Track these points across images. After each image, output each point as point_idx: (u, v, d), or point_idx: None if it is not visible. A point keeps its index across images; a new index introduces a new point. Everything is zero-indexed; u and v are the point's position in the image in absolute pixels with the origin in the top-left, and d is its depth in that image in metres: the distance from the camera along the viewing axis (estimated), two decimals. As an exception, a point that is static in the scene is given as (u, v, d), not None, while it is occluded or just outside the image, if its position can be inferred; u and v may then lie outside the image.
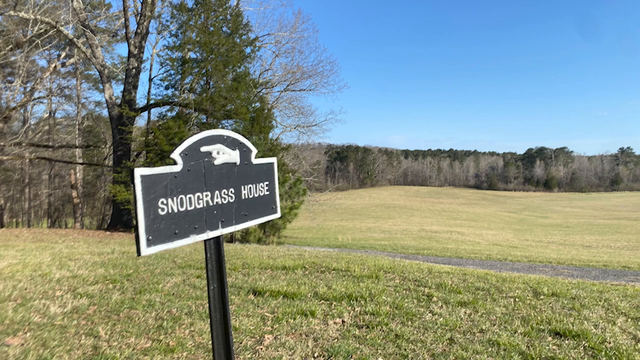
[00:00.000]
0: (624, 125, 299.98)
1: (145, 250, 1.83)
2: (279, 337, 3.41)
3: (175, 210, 1.97)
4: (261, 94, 22.98)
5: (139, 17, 20.33)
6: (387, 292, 4.71)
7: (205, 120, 18.04)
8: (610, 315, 4.00)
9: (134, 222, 2.79)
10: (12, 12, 18.13)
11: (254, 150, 2.48)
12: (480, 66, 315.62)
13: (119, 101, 20.31)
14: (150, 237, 1.85)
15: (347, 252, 9.04)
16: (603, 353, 3.10)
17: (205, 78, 17.81)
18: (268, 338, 3.39)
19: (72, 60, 28.04)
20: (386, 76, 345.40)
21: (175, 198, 1.98)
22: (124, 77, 21.26)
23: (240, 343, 3.30)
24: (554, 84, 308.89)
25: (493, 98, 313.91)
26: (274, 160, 2.69)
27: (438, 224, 46.94)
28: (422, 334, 3.45)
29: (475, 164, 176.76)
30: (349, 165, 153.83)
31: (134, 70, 20.10)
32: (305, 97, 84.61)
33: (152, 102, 20.66)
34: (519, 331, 3.53)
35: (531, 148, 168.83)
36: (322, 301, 4.37)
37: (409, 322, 3.73)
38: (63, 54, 27.44)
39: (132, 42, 19.86)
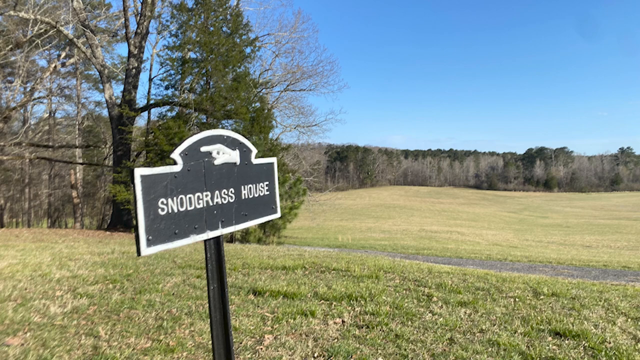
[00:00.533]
0: (624, 125, 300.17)
1: (145, 250, 1.83)
2: (279, 337, 3.41)
3: (175, 210, 1.97)
4: (261, 94, 22.98)
5: (139, 17, 20.33)
6: (387, 292, 4.71)
7: (205, 120, 18.04)
8: (610, 315, 4.00)
9: (134, 222, 2.79)
10: (12, 12, 18.13)
11: (254, 150, 2.48)
12: (480, 66, 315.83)
13: (119, 101, 20.31)
14: (150, 237, 1.85)
15: (347, 252, 9.04)
16: (603, 353, 3.10)
17: (205, 78, 17.81)
18: (268, 338, 3.39)
19: (72, 60, 28.05)
20: (386, 76, 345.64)
21: (175, 198, 1.98)
22: (124, 77, 21.26)
23: (240, 343, 3.30)
24: (554, 84, 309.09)
25: (493, 98, 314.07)
26: (274, 160, 2.69)
27: (438, 224, 46.94)
28: (422, 334, 3.45)
29: (475, 164, 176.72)
30: (349, 165, 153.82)
31: (134, 70, 20.10)
32: (305, 97, 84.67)
33: (152, 102, 20.66)
34: (519, 331, 3.53)
35: (531, 148, 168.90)
36: (322, 301, 4.37)
37: (409, 322, 3.73)
38: (63, 54, 27.44)
39: (132, 42, 19.86)
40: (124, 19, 21.22)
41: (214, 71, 17.08)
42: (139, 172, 1.83)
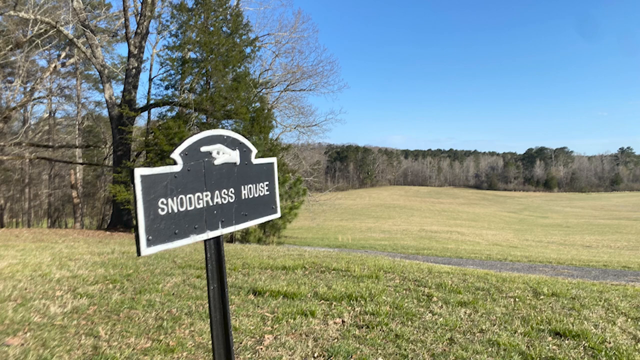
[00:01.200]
0: (624, 125, 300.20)
1: (145, 250, 1.83)
2: (279, 337, 3.41)
3: (175, 210, 1.97)
4: (261, 94, 22.98)
5: (139, 17, 20.33)
6: (387, 292, 4.71)
7: (205, 120, 18.04)
8: (610, 315, 4.00)
9: (134, 222, 2.79)
10: (12, 12, 18.13)
11: (254, 150, 2.48)
12: (480, 66, 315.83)
13: (119, 101, 20.31)
14: (150, 237, 1.85)
15: (347, 252, 9.04)
16: (603, 353, 3.10)
17: (205, 78, 17.81)
18: (268, 338, 3.39)
19: (72, 60, 28.05)
20: (386, 76, 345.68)
21: (175, 198, 1.98)
22: (124, 77, 21.27)
23: (240, 343, 3.30)
24: (554, 84, 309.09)
25: (493, 98, 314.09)
26: (274, 160, 2.69)
27: (438, 224, 46.94)
28: (422, 334, 3.45)
29: (475, 164, 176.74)
30: (349, 165, 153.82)
31: (134, 70, 20.10)
32: (305, 97, 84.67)
33: (152, 102, 20.66)
34: (519, 331, 3.53)
35: (531, 148, 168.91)
36: (322, 301, 4.37)
37: (409, 322, 3.73)
38: (63, 54, 27.44)
39: (132, 42, 19.86)
40: (124, 19, 21.22)
41: (214, 71, 17.08)
42: (139, 172, 1.83)
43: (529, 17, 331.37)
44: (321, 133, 67.72)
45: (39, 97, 28.82)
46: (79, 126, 30.57)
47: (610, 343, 3.28)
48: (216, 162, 2.21)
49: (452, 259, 11.22)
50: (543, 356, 3.05)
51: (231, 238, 16.47)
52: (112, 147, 22.15)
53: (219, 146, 2.22)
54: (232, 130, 11.48)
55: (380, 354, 3.09)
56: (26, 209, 35.56)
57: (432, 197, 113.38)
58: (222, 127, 18.11)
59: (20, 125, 29.07)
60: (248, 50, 18.97)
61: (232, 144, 2.31)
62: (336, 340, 3.35)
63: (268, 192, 2.61)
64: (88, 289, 4.84)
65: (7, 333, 3.47)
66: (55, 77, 29.52)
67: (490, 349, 3.16)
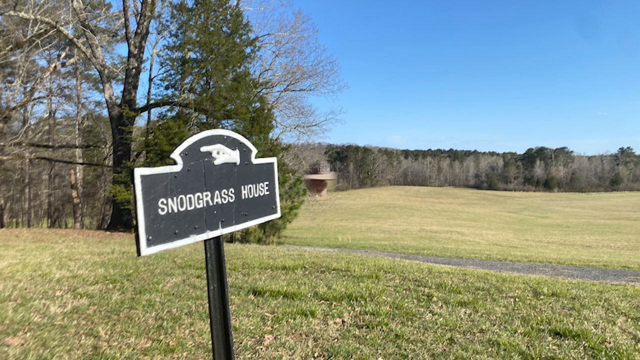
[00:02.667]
0: (624, 125, 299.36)
1: (145, 250, 1.83)
2: (279, 337, 3.41)
3: (175, 210, 1.98)
4: (261, 94, 22.97)
5: (139, 17, 20.33)
6: (387, 292, 4.71)
7: (205, 120, 18.04)
8: (610, 315, 4.00)
9: (134, 222, 2.79)
10: (12, 12, 18.13)
11: (254, 150, 2.48)
12: (480, 66, 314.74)
13: (119, 101, 20.32)
14: (150, 237, 1.85)
15: (347, 252, 9.04)
16: (603, 353, 3.10)
17: (205, 78, 17.81)
18: (268, 338, 3.39)
19: (72, 60, 28.04)
20: (386, 76, 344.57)
21: (175, 198, 1.98)
22: (124, 77, 21.26)
23: (240, 343, 3.30)
24: (554, 84, 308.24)
25: (493, 98, 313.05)
26: (274, 160, 2.69)
27: (438, 224, 46.93)
28: (422, 334, 3.45)
29: (475, 164, 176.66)
30: (349, 165, 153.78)
31: (134, 70, 20.10)
32: (305, 97, 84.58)
33: (152, 102, 20.66)
34: (519, 331, 3.53)
35: (531, 148, 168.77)
36: (322, 301, 4.37)
37: (409, 322, 3.73)
38: (63, 54, 27.44)
39: (132, 42, 19.86)
40: (124, 19, 21.22)
41: (214, 71, 17.08)
42: (139, 172, 1.83)
43: (529, 17, 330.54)
44: (321, 133, 67.51)
45: (39, 97, 28.84)
46: (79, 126, 30.57)
47: (610, 343, 3.28)
48: (216, 162, 2.21)
49: (452, 259, 11.22)
50: (543, 356, 3.05)
51: (231, 238, 16.47)
52: (112, 147, 22.15)
53: (219, 146, 2.22)
54: (232, 130, 11.48)
55: (380, 354, 3.09)
56: (26, 209, 35.55)
57: (432, 197, 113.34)
58: (222, 127, 18.11)
59: (20, 125, 29.07)
60: (248, 50, 18.97)
61: (232, 144, 2.31)
62: (336, 340, 3.35)
63: (268, 192, 2.61)
64: (88, 289, 4.84)
65: (7, 333, 3.47)
66: (55, 77, 29.52)
67: (490, 349, 3.16)
